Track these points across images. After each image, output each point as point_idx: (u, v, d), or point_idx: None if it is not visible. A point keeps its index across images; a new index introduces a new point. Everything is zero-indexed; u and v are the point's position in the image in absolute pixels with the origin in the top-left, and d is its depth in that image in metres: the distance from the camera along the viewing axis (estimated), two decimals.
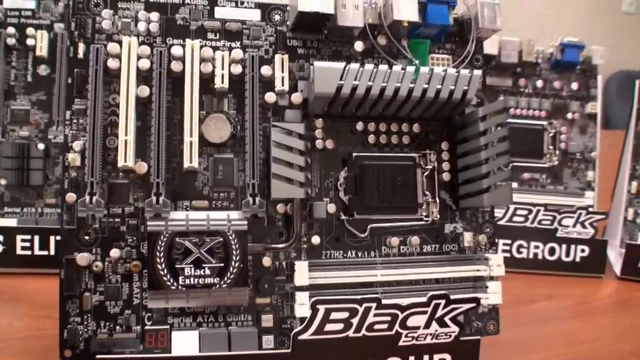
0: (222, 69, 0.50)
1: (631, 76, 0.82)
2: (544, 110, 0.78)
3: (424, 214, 0.53)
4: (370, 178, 0.52)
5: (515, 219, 0.75)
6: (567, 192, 0.78)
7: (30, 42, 0.71)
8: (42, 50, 0.70)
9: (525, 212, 0.75)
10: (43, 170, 0.68)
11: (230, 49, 0.51)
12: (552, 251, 0.76)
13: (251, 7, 0.53)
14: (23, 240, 0.66)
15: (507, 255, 0.76)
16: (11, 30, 0.71)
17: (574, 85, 0.79)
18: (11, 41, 0.71)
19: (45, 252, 0.66)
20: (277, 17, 0.53)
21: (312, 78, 0.49)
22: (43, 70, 0.71)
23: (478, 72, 0.51)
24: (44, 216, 0.68)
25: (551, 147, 0.78)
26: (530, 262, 0.76)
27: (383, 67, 0.49)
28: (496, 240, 0.56)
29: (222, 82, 0.50)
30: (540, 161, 0.78)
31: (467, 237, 0.55)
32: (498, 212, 0.75)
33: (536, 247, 0.76)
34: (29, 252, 0.66)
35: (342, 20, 0.51)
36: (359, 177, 0.52)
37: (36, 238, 0.66)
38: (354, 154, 0.52)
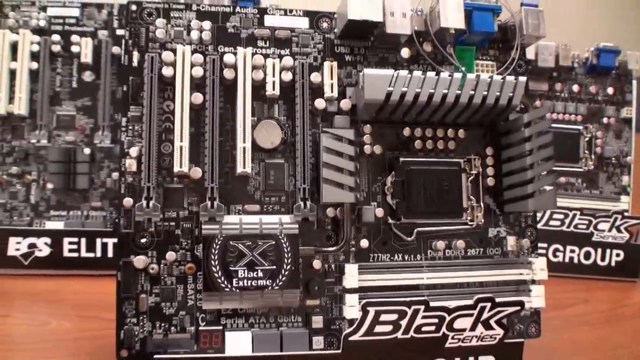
0: (273, 76, 0.52)
1: None
2: (579, 115, 0.80)
3: (469, 218, 0.55)
4: (417, 183, 0.53)
5: (552, 223, 0.77)
6: (603, 197, 0.80)
7: (74, 49, 0.73)
8: (87, 57, 0.72)
9: (561, 217, 0.77)
10: (89, 174, 0.70)
11: (280, 56, 0.53)
12: (587, 255, 0.77)
13: (299, 15, 0.54)
14: (70, 243, 0.68)
15: (544, 259, 0.77)
16: (56, 37, 0.73)
17: (610, 90, 0.80)
18: (56, 48, 0.73)
19: (91, 254, 0.68)
20: (324, 25, 0.54)
21: (361, 85, 0.51)
22: (88, 76, 0.73)
23: (523, 79, 0.53)
24: (89, 219, 0.70)
25: (587, 151, 0.79)
26: (566, 266, 0.77)
27: (431, 74, 0.51)
28: (538, 245, 0.57)
29: (273, 89, 0.52)
30: (576, 165, 0.79)
31: (511, 241, 0.56)
32: None
33: (572, 251, 0.77)
34: (76, 255, 0.68)
35: (391, 28, 0.52)
36: (405, 181, 0.53)
37: (83, 240, 0.68)
38: (401, 159, 0.54)
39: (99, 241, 0.68)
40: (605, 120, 0.80)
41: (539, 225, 0.76)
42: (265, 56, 0.52)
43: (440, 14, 0.53)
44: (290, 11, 0.54)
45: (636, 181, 0.82)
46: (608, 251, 0.77)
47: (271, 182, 0.52)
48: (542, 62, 0.75)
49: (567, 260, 0.77)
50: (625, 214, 0.78)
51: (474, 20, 0.54)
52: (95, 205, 0.70)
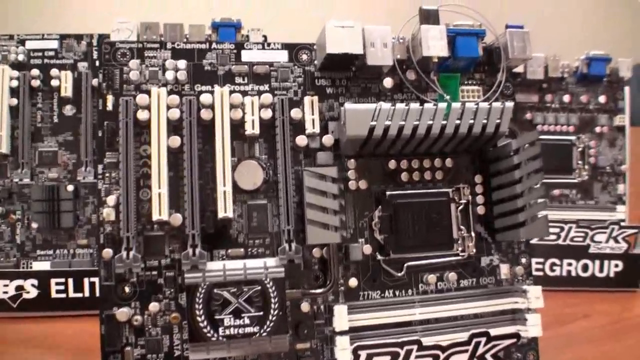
0: (252, 114, 0.50)
1: None
2: (571, 125, 0.77)
3: (460, 249, 0.53)
4: (405, 216, 0.51)
5: (548, 237, 0.74)
6: (598, 207, 0.77)
7: (54, 82, 0.70)
8: (67, 90, 0.70)
9: (557, 230, 0.74)
10: (73, 212, 0.68)
11: (260, 92, 0.51)
12: (585, 268, 0.75)
13: (278, 49, 0.52)
14: (57, 284, 0.66)
15: (540, 273, 0.75)
16: (35, 71, 0.71)
17: (601, 99, 0.77)
18: (36, 83, 0.71)
19: (79, 295, 0.66)
20: (304, 57, 0.52)
21: (343, 120, 0.49)
22: (69, 110, 0.70)
23: (510, 104, 0.50)
24: (76, 257, 0.68)
25: (580, 161, 0.77)
26: (564, 280, 0.75)
27: (415, 105, 0.49)
28: (533, 272, 0.55)
29: (253, 128, 0.50)
30: (569, 176, 0.77)
31: (504, 269, 0.54)
32: None
33: (569, 264, 0.75)
34: (63, 295, 0.66)
35: (372, 59, 0.50)
36: (393, 216, 0.51)
37: (70, 281, 0.66)
38: (388, 193, 0.51)
39: (86, 281, 0.66)
40: (598, 129, 0.77)
41: (535, 240, 0.74)
42: (244, 93, 0.50)
43: (423, 42, 0.51)
44: (269, 44, 0.52)
45: (632, 189, 0.80)
46: (606, 262, 0.75)
47: (254, 224, 0.50)
48: (531, 74, 0.72)
49: (564, 274, 0.75)
50: (622, 223, 0.76)
51: (458, 46, 0.52)
52: (82, 243, 0.68)
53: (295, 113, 0.50)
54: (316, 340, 0.50)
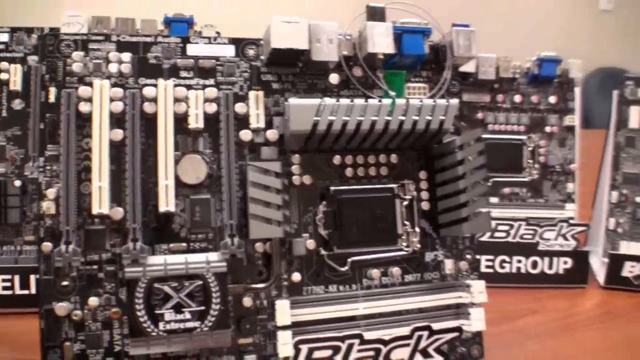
0: (196, 108, 0.49)
1: (610, 74, 0.81)
2: (522, 125, 0.77)
3: (405, 244, 0.53)
4: (349, 211, 0.51)
5: (497, 234, 0.75)
6: (548, 205, 0.78)
7: (3, 76, 0.69)
8: (16, 84, 0.69)
9: (506, 227, 0.75)
10: (20, 208, 0.66)
11: (205, 87, 0.50)
12: (534, 265, 0.75)
13: (225, 43, 0.51)
14: (4, 281, 0.65)
15: (490, 270, 0.75)
16: None
17: (552, 99, 0.78)
18: None
19: (26, 292, 0.65)
20: (251, 52, 0.52)
21: (287, 115, 0.48)
22: (17, 104, 0.69)
23: (455, 101, 0.51)
24: (23, 254, 0.67)
25: (530, 160, 0.77)
26: (513, 277, 0.75)
27: (359, 101, 0.49)
28: (478, 265, 0.55)
29: (197, 122, 0.49)
30: (520, 175, 0.77)
31: (448, 264, 0.54)
32: None
33: (519, 261, 0.75)
34: (10, 292, 0.65)
35: (317, 55, 0.50)
36: (337, 211, 0.51)
37: (16, 278, 0.65)
38: (332, 188, 0.51)
39: (32, 277, 0.65)
40: (548, 129, 0.78)
41: (485, 238, 0.74)
42: (189, 87, 0.50)
43: (368, 39, 0.50)
44: (215, 39, 0.51)
45: (581, 188, 0.81)
46: (555, 259, 0.75)
47: (197, 219, 0.49)
48: (483, 74, 0.72)
49: (514, 270, 0.75)
50: (571, 221, 0.77)
51: (404, 43, 0.52)
52: (29, 240, 0.67)
53: (240, 107, 0.50)
54: (259, 335, 0.49)
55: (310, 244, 0.50)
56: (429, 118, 0.50)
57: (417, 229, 0.53)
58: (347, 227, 0.51)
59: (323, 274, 0.51)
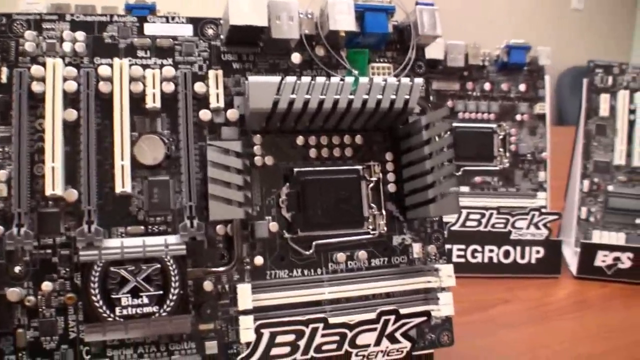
0: (153, 87, 0.47)
1: (582, 73, 0.80)
2: (492, 113, 0.76)
3: (371, 227, 0.51)
4: (313, 193, 0.49)
5: (469, 223, 0.73)
6: (520, 194, 0.77)
7: None
8: None
9: (478, 216, 0.73)
10: None
11: (162, 66, 0.48)
12: (507, 254, 0.74)
13: (183, 22, 0.50)
14: None
15: (462, 260, 0.74)
16: None
17: (522, 87, 0.77)
18: None
19: None
20: (210, 32, 0.50)
21: (247, 94, 0.47)
22: None
23: (419, 80, 0.49)
24: None
25: (501, 149, 0.76)
26: (485, 266, 0.74)
27: (321, 79, 0.47)
28: (446, 250, 0.54)
29: (154, 102, 0.47)
30: (491, 164, 0.76)
31: (416, 248, 0.53)
32: (451, 218, 0.73)
33: (491, 250, 0.74)
34: None
35: (277, 33, 0.48)
36: (301, 193, 0.49)
37: None
38: (295, 170, 0.50)
39: None
40: (518, 117, 0.77)
41: (456, 227, 0.73)
42: (146, 67, 0.48)
43: (330, 16, 0.49)
44: (173, 18, 0.50)
45: (553, 177, 0.80)
46: (527, 249, 0.74)
47: (155, 200, 0.47)
48: (452, 61, 0.71)
49: (486, 260, 0.74)
50: (543, 210, 0.76)
51: (367, 22, 0.50)
52: None
53: (199, 87, 0.48)
54: (220, 321, 0.47)
55: (274, 226, 0.49)
56: (393, 97, 0.49)
57: (384, 212, 0.52)
58: (312, 209, 0.49)
59: (287, 258, 0.49)
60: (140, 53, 0.48)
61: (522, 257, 0.74)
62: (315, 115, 0.48)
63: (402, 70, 0.52)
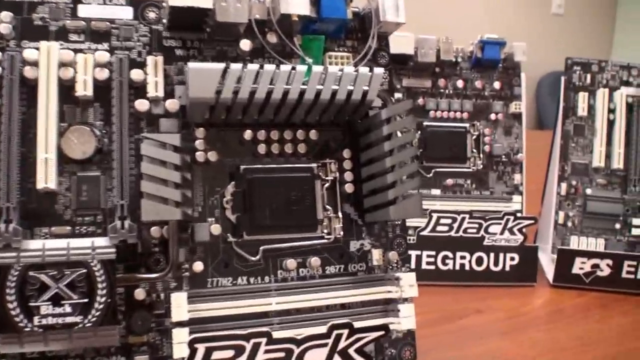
0: (85, 74, 0.42)
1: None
2: (465, 112, 0.71)
3: (326, 231, 0.46)
4: (261, 193, 0.44)
5: (439, 228, 0.68)
6: (494, 198, 0.71)
7: None
8: None
9: (449, 221, 0.68)
10: None
11: (96, 51, 0.43)
12: (479, 261, 0.69)
13: (122, 4, 0.44)
14: None
15: (432, 267, 0.68)
16: None
17: (496, 85, 0.71)
18: None
19: None
20: (151, 15, 0.45)
21: (187, 82, 0.41)
22: None
23: (379, 70, 0.44)
24: None
25: (475, 150, 0.70)
26: (457, 274, 0.68)
27: (270, 67, 0.42)
28: (410, 256, 0.49)
29: (85, 89, 0.42)
30: (463, 165, 0.70)
31: (376, 254, 0.47)
32: (419, 222, 0.67)
33: (462, 257, 0.69)
34: None
35: (222, 16, 0.43)
36: (248, 192, 0.44)
37: None
38: (242, 167, 0.44)
39: None
40: (493, 116, 0.71)
41: (426, 232, 0.68)
42: (78, 52, 0.43)
43: (280, 3, 0.44)
44: (111, 0, 0.44)
45: (530, 181, 0.74)
46: (501, 255, 0.69)
47: (84, 198, 0.42)
48: (422, 57, 0.66)
49: (457, 267, 0.68)
50: (518, 214, 0.70)
51: (323, 6, 0.45)
52: None
53: (136, 74, 0.43)
54: (154, 333, 0.42)
55: (216, 229, 0.43)
56: (350, 88, 0.43)
57: (340, 214, 0.46)
58: (259, 210, 0.44)
59: (231, 264, 0.44)
60: (72, 37, 0.43)
61: (496, 264, 0.69)
62: (263, 107, 0.43)
63: (362, 59, 0.47)
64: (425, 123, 0.68)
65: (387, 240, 0.48)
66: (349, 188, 0.47)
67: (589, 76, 0.71)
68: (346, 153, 0.47)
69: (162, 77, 0.43)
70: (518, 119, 0.72)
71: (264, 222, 0.44)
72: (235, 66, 0.41)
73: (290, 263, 0.45)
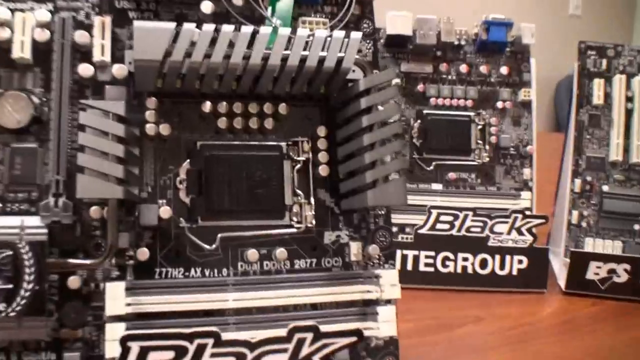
0: (23, 34, 0.37)
1: None
2: (470, 99, 0.64)
3: (295, 219, 0.40)
4: (221, 173, 0.38)
5: (440, 226, 0.61)
6: (500, 194, 0.64)
7: None
8: None
9: (450, 218, 0.61)
10: None
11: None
12: (483, 263, 0.62)
13: None
14: None
15: (431, 269, 0.61)
16: None
17: (504, 70, 0.64)
18: None
19: None
20: None
21: (132, 42, 0.36)
22: None
23: (357, 35, 0.38)
24: None
25: (480, 141, 0.63)
26: (458, 278, 0.61)
27: (228, 28, 0.36)
28: (394, 252, 0.42)
29: (22, 52, 0.37)
30: (468, 158, 0.63)
31: (354, 248, 0.41)
32: (418, 220, 0.60)
33: (465, 259, 0.61)
34: None
35: None
36: (204, 171, 0.38)
37: None
38: (199, 143, 0.39)
39: None
40: (500, 104, 0.64)
41: (424, 230, 0.61)
42: (17, 10, 0.37)
43: None
44: None
45: (542, 178, 0.67)
46: (508, 258, 0.62)
47: (17, 172, 0.36)
48: (421, 38, 0.60)
49: (459, 270, 0.61)
50: (528, 212, 0.63)
51: None
52: None
53: (81, 36, 0.37)
54: (90, 328, 0.36)
55: (165, 212, 0.37)
56: (323, 54, 0.37)
57: (313, 201, 0.40)
58: (217, 192, 0.38)
59: (183, 253, 0.38)
60: None
61: (502, 267, 0.61)
62: (222, 75, 0.37)
63: (339, 23, 0.41)
64: (425, 111, 0.62)
65: (369, 233, 0.42)
66: (323, 171, 0.41)
67: (604, 61, 0.64)
68: (321, 131, 0.41)
69: (110, 40, 0.38)
70: (528, 108, 0.64)
71: (222, 206, 0.38)
72: (188, 26, 0.35)
73: (252, 254, 0.39)
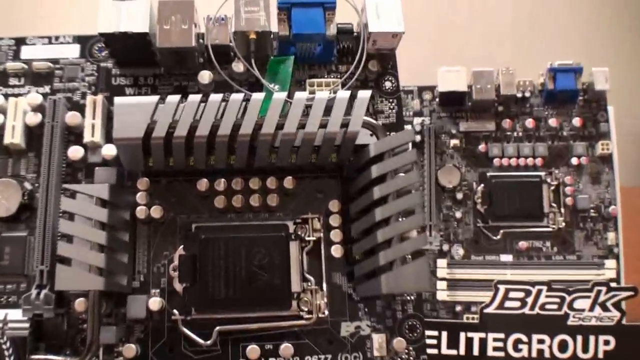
0: (14, 119, 0.35)
1: None
2: (539, 157, 0.54)
3: (305, 308, 0.33)
4: (216, 259, 0.33)
5: (509, 304, 0.51)
6: (581, 263, 0.53)
7: None
8: None
9: (522, 295, 0.50)
10: None
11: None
12: (563, 346, 0.50)
13: (68, 42, 0.37)
14: None
15: (501, 354, 0.51)
16: None
17: (576, 121, 0.54)
18: None
19: None
20: (101, 52, 0.37)
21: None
22: None
23: (365, 94, 0.32)
24: None
25: (554, 204, 0.53)
26: None
27: (216, 97, 0.32)
28: (424, 344, 0.35)
29: (13, 137, 0.34)
30: (540, 224, 0.53)
31: (377, 341, 0.34)
32: (483, 297, 0.51)
33: (540, 341, 0.50)
34: None
35: (164, 41, 0.34)
36: (199, 257, 0.33)
37: None
38: (194, 225, 0.34)
39: None
40: (575, 160, 0.54)
41: (491, 309, 0.51)
42: (16, 96, 0.35)
43: (235, 13, 0.34)
44: (57, 38, 0.37)
45: (627, 237, 0.55)
46: (592, 338, 0.50)
47: (5, 262, 0.34)
48: (479, 93, 0.51)
49: (534, 354, 0.50)
50: (613, 284, 0.52)
51: (294, 20, 0.34)
52: None
53: (72, 118, 0.34)
54: None
55: (155, 303, 0.33)
56: (325, 118, 0.32)
57: (325, 286, 0.34)
58: (213, 280, 0.33)
59: (177, 349, 0.33)
60: (12, 81, 0.36)
61: (585, 350, 0.50)
62: (210, 148, 0.32)
63: (356, 82, 0.35)
64: (489, 174, 0.53)
65: (395, 322, 0.34)
66: (336, 252, 0.34)
67: None
68: (334, 205, 0.35)
69: (105, 119, 0.35)
70: (608, 163, 0.54)
71: (218, 295, 0.33)
72: (173, 98, 0.31)
73: (254, 351, 0.33)
